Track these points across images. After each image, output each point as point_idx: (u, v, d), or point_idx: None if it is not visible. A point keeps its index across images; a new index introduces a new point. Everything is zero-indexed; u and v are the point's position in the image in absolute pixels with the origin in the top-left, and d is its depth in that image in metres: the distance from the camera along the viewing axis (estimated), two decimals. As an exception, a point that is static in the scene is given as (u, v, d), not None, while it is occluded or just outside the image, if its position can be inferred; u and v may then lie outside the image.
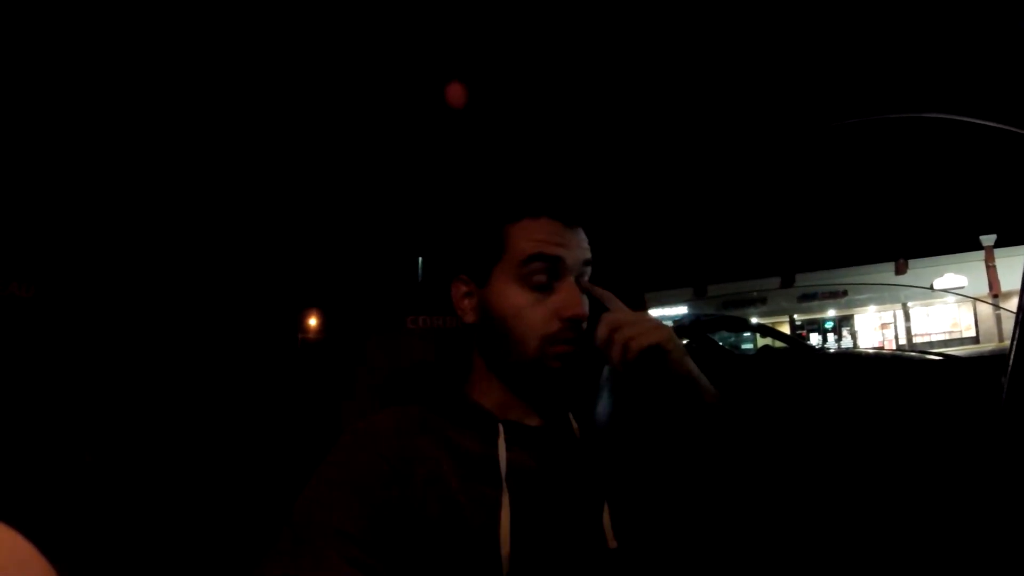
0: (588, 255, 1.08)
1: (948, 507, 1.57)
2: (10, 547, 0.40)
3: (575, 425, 1.10)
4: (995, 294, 24.15)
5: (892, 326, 28.06)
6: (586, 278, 1.08)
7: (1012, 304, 1.21)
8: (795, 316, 29.45)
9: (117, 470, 2.01)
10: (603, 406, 1.12)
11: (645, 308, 1.76)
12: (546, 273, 1.02)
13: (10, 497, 1.75)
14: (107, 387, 2.20)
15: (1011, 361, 1.18)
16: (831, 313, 29.02)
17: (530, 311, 1.02)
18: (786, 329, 27.02)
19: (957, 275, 25.93)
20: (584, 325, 1.03)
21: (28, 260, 2.15)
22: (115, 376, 2.24)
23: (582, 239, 1.08)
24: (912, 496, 1.64)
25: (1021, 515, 1.16)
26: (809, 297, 28.26)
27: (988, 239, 25.33)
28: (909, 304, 27.43)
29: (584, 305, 1.03)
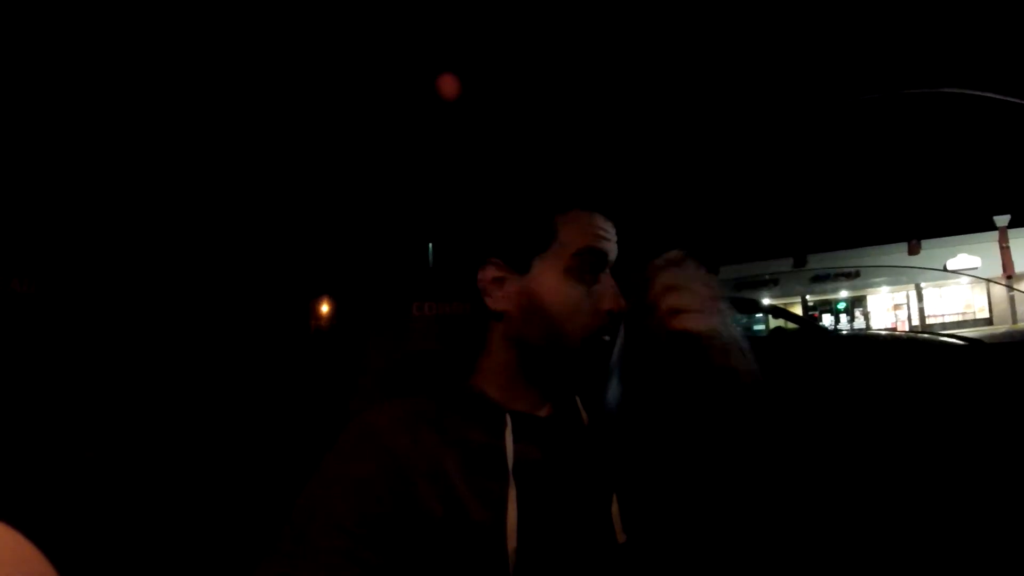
0: (617, 252, 1.08)
1: (968, 493, 1.56)
2: (10, 547, 0.40)
3: (583, 414, 1.09)
4: (1008, 275, 24.00)
5: (905, 307, 27.96)
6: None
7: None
8: (807, 297, 29.37)
9: (119, 467, 2.02)
10: (612, 392, 1.11)
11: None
12: (593, 268, 1.02)
13: (10, 497, 1.76)
14: (110, 382, 2.21)
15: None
16: (844, 294, 28.92)
17: (578, 304, 1.01)
18: (798, 310, 26.94)
19: (970, 256, 25.77)
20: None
21: (29, 256, 2.15)
22: (119, 371, 2.25)
23: (615, 234, 1.08)
24: (930, 483, 1.62)
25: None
26: (822, 278, 28.17)
27: (1002, 220, 25.13)
28: (922, 285, 27.31)
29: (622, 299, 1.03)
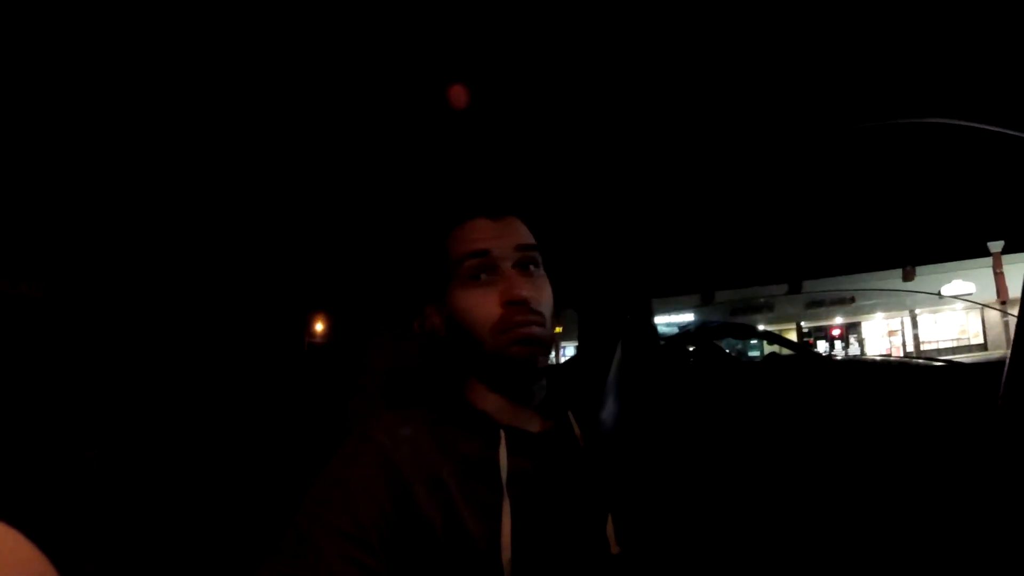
0: (523, 240, 1.12)
1: (949, 514, 1.56)
2: (10, 547, 0.41)
3: (577, 430, 1.10)
4: (1003, 300, 24.02)
5: (900, 333, 27.98)
6: (535, 265, 1.12)
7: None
8: (802, 323, 29.36)
9: (120, 469, 2.01)
10: (608, 410, 1.13)
11: (651, 314, 1.76)
12: (483, 268, 1.08)
13: (10, 497, 1.75)
14: (113, 386, 2.20)
15: (1008, 366, 1.18)
16: (838, 320, 28.93)
17: (478, 308, 1.06)
18: (793, 336, 26.91)
19: (965, 281, 25.84)
20: (539, 308, 1.06)
21: (37, 260, 2.16)
22: (122, 376, 2.25)
23: (515, 227, 1.13)
24: (913, 505, 1.63)
25: (1018, 521, 1.16)
26: (816, 304, 28.18)
27: (996, 245, 25.18)
28: (917, 311, 27.35)
29: (527, 288, 1.06)
